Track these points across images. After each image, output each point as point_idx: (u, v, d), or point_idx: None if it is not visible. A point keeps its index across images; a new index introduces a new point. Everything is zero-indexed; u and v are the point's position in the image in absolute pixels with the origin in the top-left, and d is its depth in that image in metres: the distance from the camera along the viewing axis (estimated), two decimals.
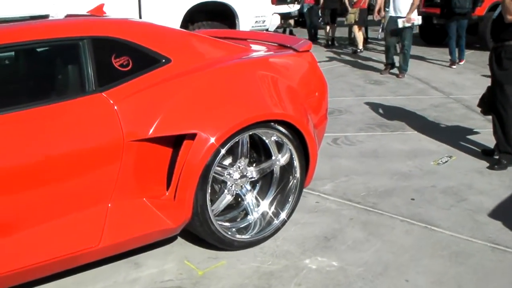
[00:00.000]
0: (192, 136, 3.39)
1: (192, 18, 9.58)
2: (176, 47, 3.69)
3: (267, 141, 3.84)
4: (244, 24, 9.97)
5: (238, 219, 3.93)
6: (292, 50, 4.21)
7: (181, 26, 9.24)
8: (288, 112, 3.69)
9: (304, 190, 4.61)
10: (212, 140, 3.38)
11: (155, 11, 9.04)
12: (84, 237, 3.26)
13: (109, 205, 3.34)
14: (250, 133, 3.65)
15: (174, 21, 9.16)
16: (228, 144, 3.50)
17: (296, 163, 3.86)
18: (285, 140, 3.74)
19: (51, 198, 3.18)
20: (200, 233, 3.67)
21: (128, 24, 3.76)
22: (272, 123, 3.64)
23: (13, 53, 3.70)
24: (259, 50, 4.25)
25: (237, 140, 3.58)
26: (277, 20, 10.73)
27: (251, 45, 4.38)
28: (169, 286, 3.42)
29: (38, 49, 3.58)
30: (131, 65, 3.45)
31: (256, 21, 10.17)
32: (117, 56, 3.42)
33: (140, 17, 9.00)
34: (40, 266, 3.17)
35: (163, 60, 3.56)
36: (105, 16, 4.42)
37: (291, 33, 16.95)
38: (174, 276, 3.52)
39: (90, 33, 3.39)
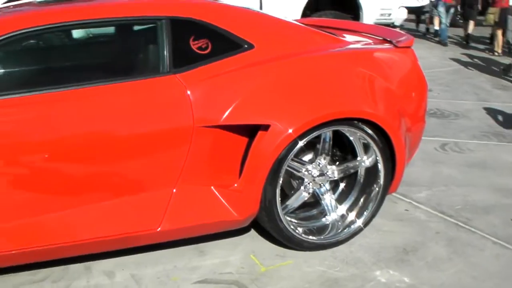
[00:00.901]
0: (268, 127, 3.24)
1: (316, 6, 9.44)
2: (261, 33, 3.54)
3: (352, 140, 3.60)
4: (368, 16, 9.70)
5: (313, 219, 3.73)
6: (392, 45, 3.93)
7: (304, 14, 9.14)
8: (375, 111, 3.42)
9: (395, 195, 4.38)
10: (290, 131, 3.20)
11: None
12: (144, 219, 3.24)
13: (174, 190, 3.28)
14: (332, 129, 3.43)
15: (296, 8, 9.07)
16: (307, 138, 3.30)
17: (381, 167, 3.58)
18: (370, 141, 3.48)
19: (115, 175, 3.19)
20: (268, 229, 3.52)
21: (210, 6, 3.65)
22: (356, 122, 3.40)
23: (92, 29, 3.70)
24: (354, 42, 3.99)
25: (317, 135, 3.38)
26: (403, 14, 10.33)
27: (347, 36, 4.13)
28: (226, 279, 3.31)
29: (117, 27, 3.58)
30: (210, 48, 3.35)
31: (381, 14, 9.87)
32: (196, 38, 3.34)
33: (261, 2, 8.98)
34: (100, 241, 3.21)
35: (245, 46, 3.43)
36: None
37: (427, 30, 16.28)
38: (235, 270, 3.41)
39: (169, 13, 3.33)
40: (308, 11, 9.27)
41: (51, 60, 3.78)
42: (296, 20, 4.66)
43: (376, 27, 4.98)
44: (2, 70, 3.41)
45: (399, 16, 10.10)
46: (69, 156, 3.07)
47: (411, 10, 11.45)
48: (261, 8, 8.96)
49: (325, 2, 9.51)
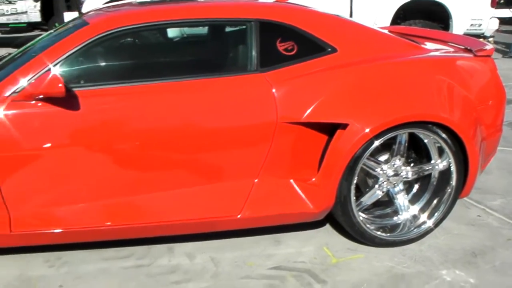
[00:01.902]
0: (346, 126, 3.43)
1: (404, 16, 9.51)
2: (344, 38, 3.74)
3: (427, 143, 3.74)
4: (458, 26, 9.65)
5: (386, 217, 3.88)
6: (471, 53, 4.04)
7: (393, 23, 9.23)
8: (449, 116, 3.54)
9: (469, 201, 4.47)
10: (367, 130, 3.39)
11: (366, 6, 9.13)
12: (226, 206, 3.50)
13: (256, 180, 3.53)
14: (408, 131, 3.59)
15: (385, 17, 9.18)
16: (383, 138, 3.48)
17: (453, 170, 3.70)
18: (444, 145, 3.61)
19: (201, 164, 3.48)
20: (342, 223, 3.71)
21: (297, 10, 3.88)
22: (431, 125, 3.54)
23: (187, 28, 4.01)
24: (434, 50, 4.12)
25: (393, 136, 3.55)
26: (495, 25, 10.20)
27: (428, 44, 4.26)
28: (299, 267, 3.53)
29: (210, 27, 3.87)
30: (296, 50, 3.59)
31: (471, 24, 9.79)
32: (283, 40, 3.58)
33: (351, 10, 9.15)
34: (185, 223, 3.51)
35: (329, 49, 3.65)
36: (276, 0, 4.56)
37: None
38: (308, 259, 3.62)
39: (259, 16, 3.60)
40: (398, 20, 9.34)
41: (148, 55, 4.16)
42: (382, 28, 4.82)
43: (458, 36, 5.06)
44: (105, 63, 3.79)
45: (490, 26, 9.99)
46: (161, 144, 3.39)
47: (503, 21, 11.25)
48: (351, 15, 9.13)
49: (415, 12, 9.53)
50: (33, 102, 3.26)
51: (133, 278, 3.46)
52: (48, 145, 3.29)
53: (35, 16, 13.47)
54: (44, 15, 13.34)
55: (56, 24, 11.32)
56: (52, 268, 3.57)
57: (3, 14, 13.52)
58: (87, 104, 3.31)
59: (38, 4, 13.36)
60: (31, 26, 14.19)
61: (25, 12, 13.46)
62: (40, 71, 3.32)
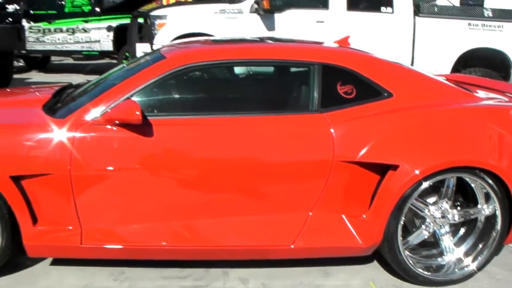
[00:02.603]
0: (397, 167, 3.65)
1: (466, 63, 9.62)
2: (401, 84, 3.98)
3: (475, 188, 3.90)
4: None
5: (432, 258, 4.04)
6: None
7: (453, 70, 9.36)
8: (497, 163, 3.72)
9: None
10: (416, 172, 3.60)
11: (427, 54, 9.35)
12: (281, 235, 3.74)
13: (310, 213, 3.76)
14: (456, 175, 3.78)
15: (446, 65, 9.35)
16: (431, 180, 3.67)
17: (499, 217, 3.86)
18: (490, 191, 3.78)
19: (260, 195, 3.74)
20: (388, 259, 3.89)
21: (358, 56, 4.16)
22: (478, 171, 3.72)
23: (253, 67, 4.33)
24: (485, 99, 4.33)
25: (441, 179, 3.75)
26: None
27: (480, 92, 4.47)
28: None
29: (276, 67, 4.18)
30: (354, 93, 3.86)
31: None
32: (343, 84, 3.85)
33: (413, 57, 9.38)
34: (239, 249, 3.77)
35: (385, 94, 3.90)
36: (336, 45, 4.82)
37: None
38: None
39: (322, 60, 3.90)
40: (459, 67, 9.49)
41: (217, 90, 4.49)
42: (440, 75, 5.05)
43: (510, 85, 5.24)
44: (178, 95, 4.14)
45: None
46: (224, 173, 3.69)
47: None
48: (412, 62, 9.36)
49: (476, 59, 9.64)
50: (111, 126, 3.58)
51: None
52: (121, 167, 3.62)
53: (107, 45, 14.13)
54: (116, 45, 13.97)
55: (127, 54, 11.88)
56: (115, 281, 3.85)
57: (78, 42, 14.22)
58: (159, 131, 3.63)
59: (111, 34, 14.02)
60: (103, 54, 14.85)
61: (98, 41, 14.13)
62: (119, 99, 3.65)
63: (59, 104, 4.06)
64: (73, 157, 3.54)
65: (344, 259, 4.04)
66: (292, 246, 3.72)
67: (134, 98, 3.67)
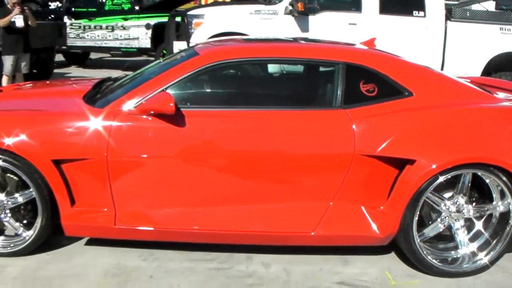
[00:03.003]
0: (414, 162, 3.85)
1: (496, 67, 9.70)
2: (421, 84, 4.18)
3: (489, 184, 4.05)
4: None
5: (447, 251, 4.21)
6: None
7: (483, 74, 9.44)
8: (509, 161, 3.88)
9: None
10: (433, 166, 3.80)
11: (458, 57, 9.47)
12: (302, 223, 3.98)
13: (331, 203, 3.98)
14: (471, 171, 3.95)
15: (476, 68, 9.45)
16: (446, 175, 3.86)
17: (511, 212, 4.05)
18: (504, 187, 3.94)
19: (284, 184, 3.99)
20: (403, 250, 4.09)
21: (381, 56, 4.38)
22: (492, 168, 3.89)
23: (283, 65, 4.60)
24: (505, 100, 4.50)
25: (457, 175, 3.93)
26: None
27: (501, 94, 4.65)
28: (361, 285, 3.94)
29: (304, 65, 4.43)
30: (376, 92, 4.07)
31: None
32: (366, 82, 4.07)
33: (443, 61, 9.49)
34: (263, 234, 4.03)
35: (406, 93, 4.10)
36: (361, 46, 5.03)
37: None
38: (370, 279, 4.02)
39: (347, 59, 4.15)
40: (489, 71, 9.56)
41: (247, 85, 4.80)
42: (464, 77, 5.23)
43: None
44: (209, 89, 4.42)
45: None
46: (251, 162, 3.95)
47: None
48: (442, 66, 9.48)
49: (506, 63, 9.70)
50: (146, 116, 3.85)
51: (214, 277, 3.97)
52: (154, 154, 3.90)
53: (145, 42, 14.58)
54: (154, 42, 14.37)
55: (165, 51, 12.23)
56: (145, 261, 4.13)
57: (117, 39, 14.66)
58: (191, 122, 3.90)
59: (150, 31, 14.44)
60: (141, 51, 15.34)
61: (137, 38, 14.59)
62: (154, 91, 3.93)
63: (99, 95, 4.36)
64: (110, 144, 3.83)
65: (362, 249, 4.27)
66: (312, 233, 3.95)
67: (169, 91, 3.93)
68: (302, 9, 9.12)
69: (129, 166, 3.92)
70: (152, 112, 3.83)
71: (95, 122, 3.88)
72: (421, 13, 9.47)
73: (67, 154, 3.86)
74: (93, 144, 3.85)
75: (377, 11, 9.44)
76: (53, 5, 17.58)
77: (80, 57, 16.87)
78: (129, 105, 3.93)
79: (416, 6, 9.51)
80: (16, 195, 4.04)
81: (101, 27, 14.79)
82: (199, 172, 3.95)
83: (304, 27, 9.32)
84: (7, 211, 4.08)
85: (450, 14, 9.54)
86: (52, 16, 14.23)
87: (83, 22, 14.87)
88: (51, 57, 13.19)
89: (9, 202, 4.06)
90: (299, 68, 4.77)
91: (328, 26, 9.27)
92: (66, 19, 14.73)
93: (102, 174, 3.88)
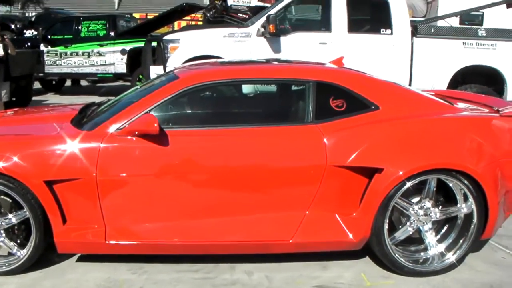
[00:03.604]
0: (382, 170, 4.16)
1: (463, 80, 10.07)
2: (386, 98, 4.51)
3: (453, 187, 4.35)
4: None
5: (417, 252, 4.51)
6: (496, 113, 4.68)
7: (450, 86, 9.81)
8: (471, 165, 4.20)
9: (496, 245, 5.03)
10: (400, 173, 4.11)
11: (425, 72, 9.85)
12: (281, 231, 4.25)
13: (307, 212, 4.27)
14: (435, 177, 4.27)
15: (443, 81, 9.82)
16: (413, 180, 4.18)
17: (475, 214, 4.33)
18: (466, 191, 4.26)
19: (262, 196, 4.26)
20: (377, 252, 4.38)
21: (348, 74, 4.73)
22: (455, 173, 4.21)
23: (257, 85, 4.94)
24: (465, 110, 4.84)
25: (423, 180, 4.25)
26: None
27: (461, 105, 4.99)
28: (337, 287, 4.23)
29: (276, 85, 4.77)
30: (345, 107, 4.40)
31: None
32: (335, 98, 4.40)
33: (411, 74, 9.86)
34: (244, 244, 4.29)
35: (373, 107, 4.42)
36: (330, 65, 5.37)
37: None
38: (346, 281, 4.31)
39: (316, 78, 4.49)
40: (456, 84, 9.95)
41: (224, 105, 5.10)
42: (429, 91, 5.59)
43: (490, 98, 5.73)
44: (190, 110, 4.71)
45: None
46: (230, 177, 4.24)
47: None
48: (410, 79, 9.89)
49: (472, 77, 10.11)
50: (131, 137, 4.12)
51: (201, 286, 4.22)
52: (140, 172, 4.17)
53: (121, 67, 14.88)
54: (130, 67, 14.70)
55: (141, 76, 12.49)
56: (134, 274, 4.37)
57: (93, 65, 14.91)
58: (174, 141, 4.17)
59: (125, 57, 14.74)
60: (117, 76, 15.61)
61: (113, 64, 14.87)
62: (139, 113, 4.21)
63: (85, 119, 4.61)
64: (98, 164, 4.09)
65: (340, 255, 4.55)
66: (290, 241, 4.23)
67: (152, 113, 4.21)
68: (274, 31, 9.40)
69: (117, 184, 4.17)
70: (137, 133, 4.09)
71: (84, 144, 4.13)
72: (388, 31, 9.81)
73: (59, 175, 4.10)
74: (82, 165, 4.09)
75: (346, 30, 9.75)
76: (28, 33, 17.80)
77: (56, 84, 17.07)
78: (115, 127, 4.19)
79: (383, 24, 9.85)
80: (10, 216, 4.25)
81: (77, 54, 15.02)
82: (183, 187, 4.21)
83: (277, 48, 9.62)
84: (1, 231, 4.29)
85: (416, 30, 9.91)
86: (29, 44, 14.44)
87: (60, 49, 15.08)
88: (30, 85, 13.36)
89: (3, 223, 4.27)
90: (273, 87, 5.11)
91: (299, 46, 9.58)
92: (42, 47, 14.94)
93: (92, 193, 4.12)
